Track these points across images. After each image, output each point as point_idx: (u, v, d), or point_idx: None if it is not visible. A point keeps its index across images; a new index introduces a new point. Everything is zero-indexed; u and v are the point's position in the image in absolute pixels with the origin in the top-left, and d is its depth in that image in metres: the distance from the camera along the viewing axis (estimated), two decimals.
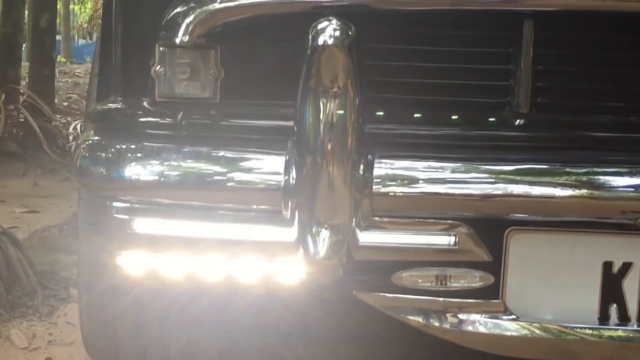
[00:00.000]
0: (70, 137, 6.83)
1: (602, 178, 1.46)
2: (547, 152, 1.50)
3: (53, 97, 7.19)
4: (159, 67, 1.56)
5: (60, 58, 8.84)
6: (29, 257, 2.95)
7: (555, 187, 1.45)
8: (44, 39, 7.02)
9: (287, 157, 1.48)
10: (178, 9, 1.54)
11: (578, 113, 1.53)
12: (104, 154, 1.61)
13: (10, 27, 7.10)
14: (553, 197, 1.44)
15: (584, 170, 1.46)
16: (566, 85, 1.52)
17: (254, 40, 1.56)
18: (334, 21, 1.43)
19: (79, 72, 9.30)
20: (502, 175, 1.46)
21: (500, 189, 1.45)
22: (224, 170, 1.52)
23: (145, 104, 1.60)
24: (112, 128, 1.65)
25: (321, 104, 1.42)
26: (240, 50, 1.56)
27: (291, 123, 1.47)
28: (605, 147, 1.52)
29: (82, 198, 1.87)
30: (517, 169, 1.47)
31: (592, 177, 1.45)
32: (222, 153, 1.53)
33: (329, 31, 1.41)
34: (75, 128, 6.92)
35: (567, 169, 1.46)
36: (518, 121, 1.52)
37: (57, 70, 8.32)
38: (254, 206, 1.53)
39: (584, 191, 1.44)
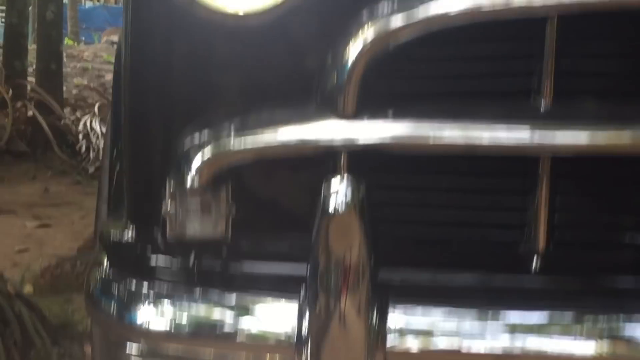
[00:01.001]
0: (80, 136, 6.80)
1: (626, 328, 1.43)
2: (567, 300, 1.48)
3: (61, 92, 7.19)
4: (169, 206, 1.52)
5: (67, 40, 8.75)
6: (41, 314, 2.95)
7: (576, 340, 1.42)
8: (51, 32, 6.95)
9: (300, 305, 1.46)
10: (188, 145, 1.51)
11: (598, 251, 1.50)
12: (115, 292, 1.59)
13: (16, 17, 7.04)
14: (572, 355, 1.42)
15: (607, 322, 1.43)
16: (584, 223, 1.49)
17: (265, 177, 1.53)
18: (345, 179, 1.39)
19: (87, 56, 9.23)
20: (518, 330, 1.44)
21: (518, 344, 1.43)
22: (236, 319, 1.50)
23: (158, 240, 1.57)
24: (123, 262, 1.63)
25: (333, 263, 1.40)
26: (252, 187, 1.54)
27: (304, 265, 1.45)
28: (627, 292, 1.49)
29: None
30: (535, 322, 1.44)
31: (614, 327, 1.43)
32: (233, 300, 1.51)
33: (340, 196, 1.38)
34: (85, 125, 6.90)
35: (588, 320, 1.43)
36: (534, 261, 1.49)
37: (64, 54, 8.26)
38: (267, 355, 1.51)
39: (605, 345, 1.42)
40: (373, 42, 1.41)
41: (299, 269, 1.47)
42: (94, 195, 6.44)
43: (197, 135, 1.50)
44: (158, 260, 1.58)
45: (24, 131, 6.74)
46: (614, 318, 1.43)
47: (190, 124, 1.51)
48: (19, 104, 6.65)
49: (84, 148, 6.60)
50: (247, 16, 1.45)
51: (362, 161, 1.45)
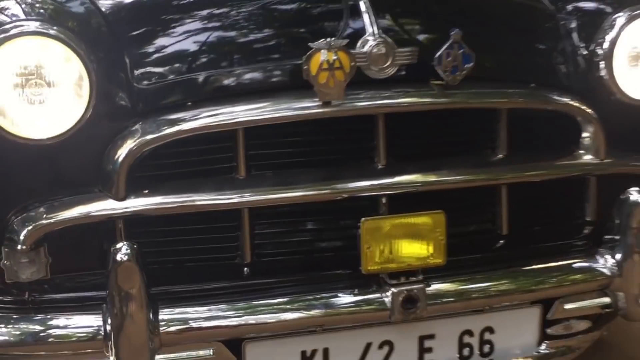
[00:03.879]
0: None
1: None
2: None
3: None
4: (5, 261, 2.28)
5: None
6: None
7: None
8: None
9: (103, 314, 2.28)
10: (15, 220, 2.28)
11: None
12: None
13: None
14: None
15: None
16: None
17: (73, 238, 2.31)
18: (126, 243, 2.26)
19: None
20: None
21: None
22: (55, 328, 2.32)
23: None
24: None
25: (123, 290, 2.24)
26: (61, 244, 2.33)
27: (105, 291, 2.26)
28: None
29: None
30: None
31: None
32: (55, 320, 2.33)
33: (123, 251, 2.24)
34: None
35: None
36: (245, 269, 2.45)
37: None
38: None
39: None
40: (131, 150, 2.27)
41: (101, 294, 2.29)
42: None
43: (21, 215, 2.28)
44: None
45: None
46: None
47: (18, 206, 2.29)
48: None
49: None
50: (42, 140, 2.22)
51: (135, 228, 2.32)
